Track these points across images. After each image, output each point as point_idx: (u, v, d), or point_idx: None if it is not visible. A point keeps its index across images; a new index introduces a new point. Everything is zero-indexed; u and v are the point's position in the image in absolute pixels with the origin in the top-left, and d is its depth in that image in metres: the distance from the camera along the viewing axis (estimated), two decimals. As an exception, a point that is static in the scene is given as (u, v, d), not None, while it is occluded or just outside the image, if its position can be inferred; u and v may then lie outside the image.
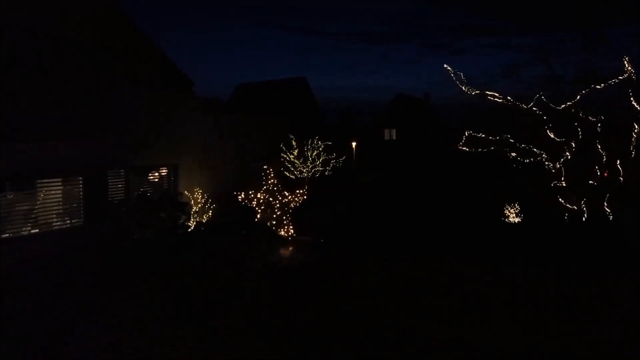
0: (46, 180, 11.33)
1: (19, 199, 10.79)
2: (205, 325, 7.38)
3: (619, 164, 14.03)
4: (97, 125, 12.16)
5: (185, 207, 14.44)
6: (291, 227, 13.36)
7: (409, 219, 18.06)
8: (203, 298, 8.45)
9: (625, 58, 13.59)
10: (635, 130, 13.80)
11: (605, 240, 11.92)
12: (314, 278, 9.77)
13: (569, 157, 14.29)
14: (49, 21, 10.76)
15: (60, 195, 11.75)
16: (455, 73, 15.36)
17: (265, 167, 13.75)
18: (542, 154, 14.70)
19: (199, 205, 14.88)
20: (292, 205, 13.44)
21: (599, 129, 14.41)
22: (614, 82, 13.90)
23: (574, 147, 14.28)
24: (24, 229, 10.84)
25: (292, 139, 20.89)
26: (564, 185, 14.29)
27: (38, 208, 11.14)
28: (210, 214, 14.93)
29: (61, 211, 11.77)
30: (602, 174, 14.50)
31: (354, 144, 33.48)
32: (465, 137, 16.00)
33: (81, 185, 11.98)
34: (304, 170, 21.21)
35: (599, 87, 14.07)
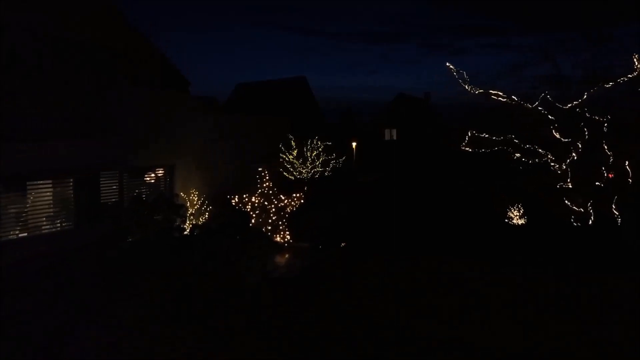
0: (39, 182, 11.65)
1: (14, 200, 11.10)
2: (205, 326, 7.70)
3: (628, 165, 14.34)
4: (94, 125, 12.49)
5: (180, 210, 14.77)
6: (287, 232, 13.29)
7: (409, 220, 18.38)
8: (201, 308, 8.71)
9: (634, 55, 13.89)
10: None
11: (605, 240, 12.26)
12: (312, 285, 9.96)
13: (575, 157, 14.62)
14: (49, 21, 11.08)
15: (51, 198, 12.06)
16: (458, 72, 15.71)
17: (260, 169, 13.76)
18: (548, 154, 15.04)
19: (195, 207, 15.21)
20: (288, 209, 13.49)
21: (605, 129, 14.75)
22: (624, 80, 14.20)
23: (580, 148, 14.62)
24: (18, 230, 11.15)
25: (291, 139, 21.25)
26: (570, 186, 14.60)
27: (29, 210, 11.44)
28: (207, 215, 15.26)
29: (52, 214, 12.08)
30: (607, 175, 14.84)
31: (354, 144, 33.83)
32: (468, 137, 16.34)
33: (72, 187, 12.27)
34: (304, 171, 21.56)
35: (607, 85, 14.37)
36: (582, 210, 14.43)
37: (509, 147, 15.75)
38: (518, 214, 17.58)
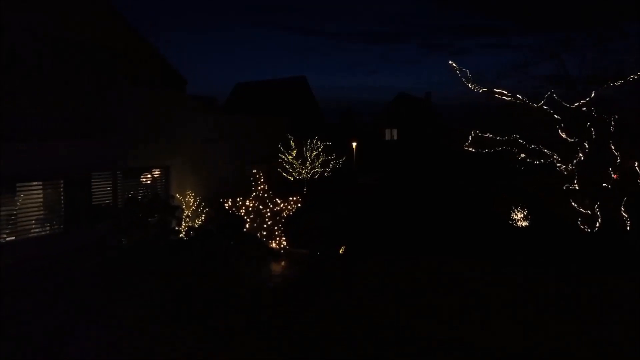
0: (31, 183, 11.94)
1: (7, 202, 11.39)
2: (205, 326, 7.98)
3: (638, 166, 14.66)
4: (89, 125, 12.80)
5: (176, 211, 15.07)
6: (284, 238, 13.13)
7: (410, 221, 18.65)
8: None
9: None
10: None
11: (608, 241, 12.57)
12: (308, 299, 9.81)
13: (582, 158, 14.93)
14: (49, 21, 11.41)
15: (42, 199, 12.35)
16: (460, 70, 16.05)
17: (254, 171, 13.67)
18: (554, 155, 15.35)
19: (192, 209, 15.54)
20: (284, 214, 13.34)
21: (612, 129, 15.07)
22: (634, 78, 14.50)
23: (587, 148, 14.93)
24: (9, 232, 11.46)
25: (290, 139, 21.60)
26: (577, 188, 14.91)
27: (18, 212, 11.72)
28: (203, 217, 15.59)
29: (42, 216, 12.35)
30: (613, 175, 15.14)
31: (354, 144, 34.15)
32: (472, 137, 16.66)
33: (63, 187, 12.56)
34: (303, 172, 21.89)
35: (617, 83, 14.68)
36: (590, 212, 14.74)
37: (514, 148, 16.06)
38: (521, 215, 17.93)
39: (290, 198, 12.93)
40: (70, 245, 12.52)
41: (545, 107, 15.29)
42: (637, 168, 14.82)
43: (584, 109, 15.04)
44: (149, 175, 15.60)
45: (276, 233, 13.04)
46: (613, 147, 15.05)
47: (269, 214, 13.12)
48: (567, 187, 15.21)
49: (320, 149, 22.32)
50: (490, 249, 12.94)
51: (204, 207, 15.62)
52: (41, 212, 12.30)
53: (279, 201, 12.95)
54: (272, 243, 12.97)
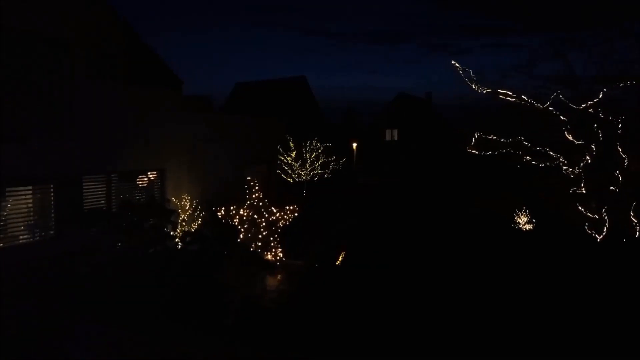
0: (18, 188, 11.07)
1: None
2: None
3: None
4: (75, 125, 11.90)
5: (172, 215, 14.16)
6: (280, 249, 12.11)
7: (411, 223, 18.00)
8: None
9: None
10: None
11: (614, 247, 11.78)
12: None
13: (589, 161, 14.04)
14: (31, 16, 10.53)
15: (31, 205, 11.49)
16: (463, 70, 15.17)
17: (249, 178, 12.69)
18: (560, 157, 14.47)
19: (188, 213, 14.61)
20: (281, 224, 12.22)
21: (619, 131, 14.18)
22: None
23: (594, 150, 14.03)
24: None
25: (289, 140, 20.69)
26: (584, 191, 14.00)
27: (6, 216, 10.87)
28: (199, 222, 14.66)
29: (32, 221, 11.51)
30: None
31: (354, 144, 33.35)
32: (475, 139, 15.80)
33: (52, 193, 11.68)
34: (302, 173, 21.01)
35: (629, 83, 13.75)
36: (597, 217, 13.84)
37: (518, 150, 15.18)
38: (525, 219, 17.05)
39: (287, 207, 11.80)
40: (62, 250, 11.68)
41: (550, 108, 14.38)
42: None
43: (591, 110, 14.14)
44: (144, 178, 14.68)
45: (272, 244, 11.98)
46: (620, 150, 14.17)
47: (264, 223, 12.05)
48: (573, 190, 14.29)
49: (320, 150, 21.39)
50: (493, 256, 12.12)
51: (201, 211, 14.68)
52: (31, 217, 11.41)
53: (274, 210, 11.84)
54: (267, 254, 11.91)
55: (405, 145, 42.30)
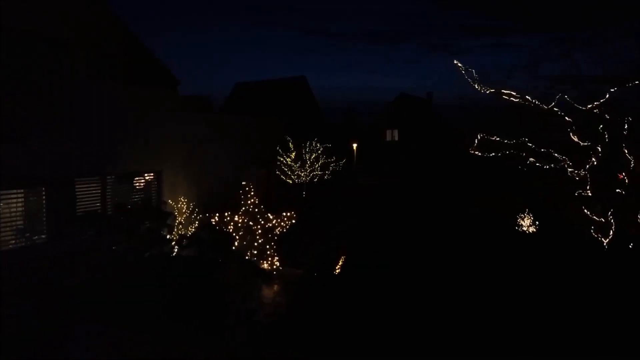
0: (9, 190, 10.48)
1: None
2: None
3: None
4: (70, 126, 11.31)
5: (168, 218, 13.57)
6: (276, 257, 11.33)
7: (412, 226, 17.50)
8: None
9: None
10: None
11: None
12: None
13: (595, 162, 13.44)
14: (21, 14, 9.95)
15: (22, 208, 10.91)
16: (466, 70, 14.58)
17: (243, 183, 11.88)
18: (565, 159, 13.86)
19: (184, 216, 14.02)
20: (277, 231, 11.42)
21: (625, 132, 13.59)
22: None
23: (600, 152, 13.43)
24: None
25: (289, 141, 20.09)
26: (590, 194, 13.40)
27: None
28: (197, 224, 14.08)
29: (22, 225, 10.93)
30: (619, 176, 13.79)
31: (354, 145, 32.76)
32: (478, 140, 15.21)
33: (45, 194, 11.07)
34: (302, 174, 20.41)
35: (630, 84, 13.17)
36: (603, 220, 13.23)
37: (522, 151, 14.58)
38: (529, 221, 16.47)
39: (284, 213, 11.05)
40: (53, 254, 11.12)
41: (555, 109, 13.77)
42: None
43: (596, 110, 13.54)
44: (140, 180, 14.08)
45: (268, 252, 11.17)
46: (626, 151, 13.57)
47: (260, 231, 11.25)
48: (579, 193, 13.69)
49: (319, 151, 20.77)
50: (493, 257, 11.82)
51: (198, 213, 14.08)
52: (20, 221, 10.82)
53: (271, 217, 11.09)
54: (263, 263, 11.11)
55: (405, 146, 41.69)
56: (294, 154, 19.69)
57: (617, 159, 13.77)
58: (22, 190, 10.96)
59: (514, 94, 13.96)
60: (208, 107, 18.71)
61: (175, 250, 12.82)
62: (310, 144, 20.64)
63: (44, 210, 11.22)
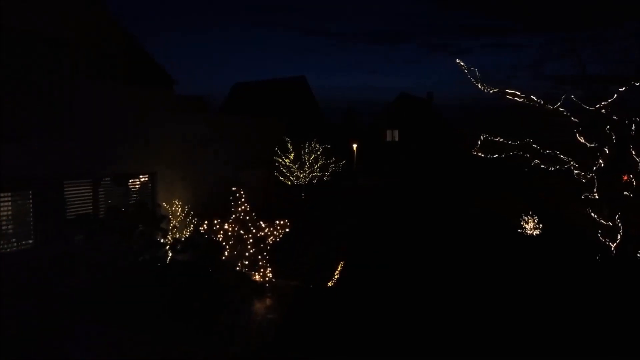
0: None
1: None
2: None
3: None
4: (61, 127, 10.71)
5: (162, 222, 12.95)
6: (269, 268, 10.31)
7: (414, 228, 16.97)
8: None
9: None
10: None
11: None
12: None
13: (602, 164, 12.78)
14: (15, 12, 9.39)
15: (10, 212, 10.29)
16: (469, 69, 13.94)
17: (234, 188, 10.87)
18: (571, 161, 13.21)
19: (179, 219, 13.39)
20: (270, 240, 10.37)
21: (632, 133, 12.95)
22: None
23: (607, 154, 12.78)
24: None
25: (288, 141, 19.46)
26: (597, 197, 12.74)
27: None
28: (191, 228, 13.44)
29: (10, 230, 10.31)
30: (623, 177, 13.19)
31: (354, 145, 32.14)
32: (481, 141, 14.58)
33: (30, 199, 10.45)
34: (301, 176, 19.78)
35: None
36: (611, 224, 12.58)
37: (527, 153, 13.93)
38: (532, 224, 15.82)
39: (277, 221, 10.16)
40: (42, 259, 10.51)
41: (561, 109, 13.12)
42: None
43: (603, 110, 12.89)
44: (134, 183, 13.45)
45: (260, 263, 10.24)
46: (634, 152, 12.92)
47: (251, 240, 10.30)
48: (586, 196, 13.03)
49: (319, 152, 20.12)
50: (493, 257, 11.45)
51: (193, 217, 13.45)
52: (7, 225, 10.21)
53: (263, 225, 10.21)
54: (255, 275, 10.20)
55: (405, 146, 41.03)
56: (292, 154, 19.04)
57: (625, 161, 13.15)
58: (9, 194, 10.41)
59: (518, 93, 13.32)
60: (204, 107, 18.05)
61: (170, 255, 12.23)
62: (310, 145, 19.98)
63: (31, 213, 10.62)
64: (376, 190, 26.67)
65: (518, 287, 10.81)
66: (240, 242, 10.12)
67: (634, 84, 12.51)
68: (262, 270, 10.08)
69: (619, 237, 12.59)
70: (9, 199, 10.32)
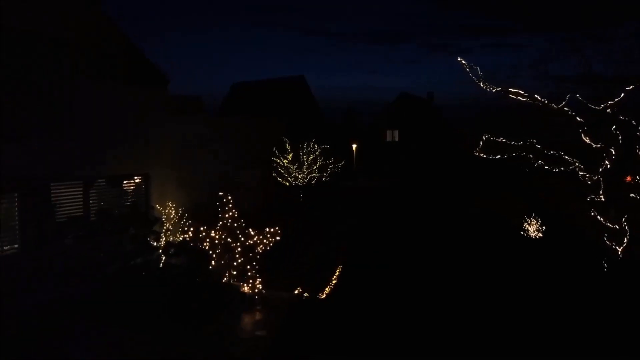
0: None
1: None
2: None
3: None
4: (51, 127, 10.19)
5: (155, 225, 12.40)
6: (259, 279, 9.31)
7: (415, 230, 16.51)
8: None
9: None
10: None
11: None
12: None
13: (609, 166, 12.20)
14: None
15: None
16: (471, 67, 13.37)
17: (221, 193, 9.92)
18: (576, 162, 12.64)
19: (173, 222, 12.84)
20: (260, 249, 9.37)
21: (639, 133, 12.37)
22: None
23: (613, 155, 12.20)
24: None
25: (286, 142, 18.91)
26: (603, 199, 12.17)
27: None
28: (185, 230, 12.88)
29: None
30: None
31: (354, 145, 31.58)
32: (483, 142, 14.02)
33: (17, 200, 9.90)
34: (299, 176, 19.23)
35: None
36: (617, 227, 12.00)
37: (530, 153, 13.36)
38: (535, 226, 15.25)
39: (267, 229, 9.28)
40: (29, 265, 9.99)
41: (566, 108, 12.54)
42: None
43: (609, 110, 12.32)
44: (126, 184, 12.90)
45: (249, 273, 9.27)
46: (640, 153, 12.35)
47: (239, 249, 9.37)
48: (591, 198, 12.46)
49: (317, 152, 19.56)
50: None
51: (187, 219, 12.89)
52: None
53: (252, 233, 9.31)
54: (244, 286, 9.29)
55: (405, 146, 40.45)
56: (291, 155, 18.48)
57: (631, 162, 12.59)
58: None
59: (522, 92, 12.76)
60: (201, 107, 17.48)
61: (163, 259, 11.69)
62: (308, 145, 19.42)
63: (17, 217, 10.07)
64: (376, 190, 26.20)
65: (522, 292, 10.31)
66: (228, 250, 9.38)
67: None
68: (251, 281, 9.22)
69: (625, 240, 12.03)
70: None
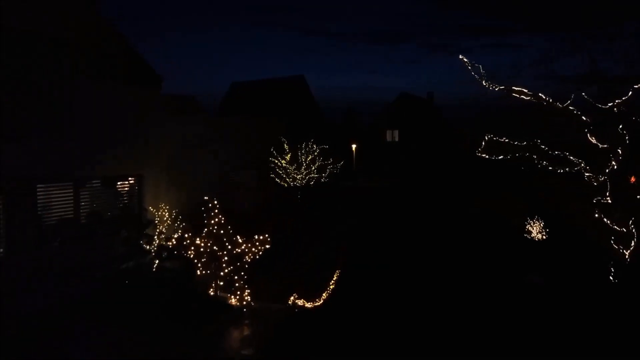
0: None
1: None
2: None
3: None
4: (41, 127, 9.69)
5: (147, 227, 11.91)
6: (247, 290, 8.65)
7: (415, 231, 16.03)
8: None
9: None
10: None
11: None
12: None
13: (615, 167, 11.65)
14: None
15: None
16: (473, 66, 12.82)
17: (206, 197, 9.11)
18: (581, 163, 12.10)
19: (167, 224, 12.32)
20: (248, 257, 8.68)
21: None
22: None
23: (620, 155, 11.65)
24: None
25: (284, 142, 18.39)
26: (609, 201, 11.62)
27: None
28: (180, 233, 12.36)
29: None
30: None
31: (354, 145, 31.06)
32: (485, 142, 13.48)
33: (3, 201, 9.42)
34: (298, 177, 18.71)
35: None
36: (625, 230, 11.45)
37: (534, 154, 12.82)
38: (538, 228, 14.70)
39: (256, 236, 8.52)
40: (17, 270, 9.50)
41: (571, 107, 11.99)
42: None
43: (616, 109, 11.78)
44: (119, 186, 12.38)
45: (237, 284, 8.60)
46: (646, 153, 11.81)
47: (226, 258, 8.67)
48: (597, 200, 11.91)
49: (316, 153, 19.03)
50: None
51: (181, 222, 12.37)
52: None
53: (240, 241, 8.59)
54: (231, 298, 8.61)
55: (405, 146, 39.92)
56: (289, 155, 17.95)
57: (637, 162, 12.06)
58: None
59: (525, 91, 12.19)
60: (197, 107, 16.97)
61: (156, 262, 11.18)
62: (307, 145, 18.89)
63: (1, 219, 9.56)
64: (376, 190, 25.75)
65: (525, 295, 9.81)
66: (214, 259, 8.68)
67: None
68: (239, 292, 8.51)
69: (633, 243, 11.49)
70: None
